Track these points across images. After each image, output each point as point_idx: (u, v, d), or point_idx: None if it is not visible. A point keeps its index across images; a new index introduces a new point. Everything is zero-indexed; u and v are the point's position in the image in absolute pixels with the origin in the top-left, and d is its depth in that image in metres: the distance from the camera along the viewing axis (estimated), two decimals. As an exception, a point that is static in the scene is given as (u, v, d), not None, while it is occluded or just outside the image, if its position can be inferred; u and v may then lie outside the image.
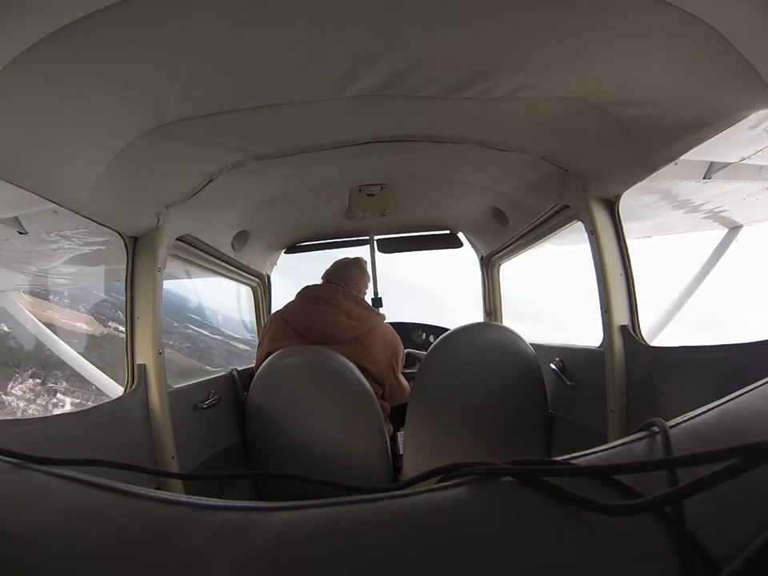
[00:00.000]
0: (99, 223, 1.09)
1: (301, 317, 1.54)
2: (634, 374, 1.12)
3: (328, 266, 1.76)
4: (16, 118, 0.73)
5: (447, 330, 1.44)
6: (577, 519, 0.26)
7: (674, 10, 0.63)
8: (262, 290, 2.32)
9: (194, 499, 0.31)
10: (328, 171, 1.38)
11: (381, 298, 2.24)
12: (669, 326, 2.48)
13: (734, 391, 0.37)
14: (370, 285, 1.84)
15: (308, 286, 1.65)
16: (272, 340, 1.55)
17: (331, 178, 1.47)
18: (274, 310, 2.33)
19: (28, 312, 3.06)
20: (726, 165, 1.56)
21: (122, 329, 1.21)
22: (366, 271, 1.78)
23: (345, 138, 1.11)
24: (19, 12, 0.55)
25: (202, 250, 1.58)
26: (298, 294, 1.64)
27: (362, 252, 2.28)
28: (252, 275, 2.19)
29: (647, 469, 0.29)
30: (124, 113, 0.83)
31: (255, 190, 1.46)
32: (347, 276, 1.68)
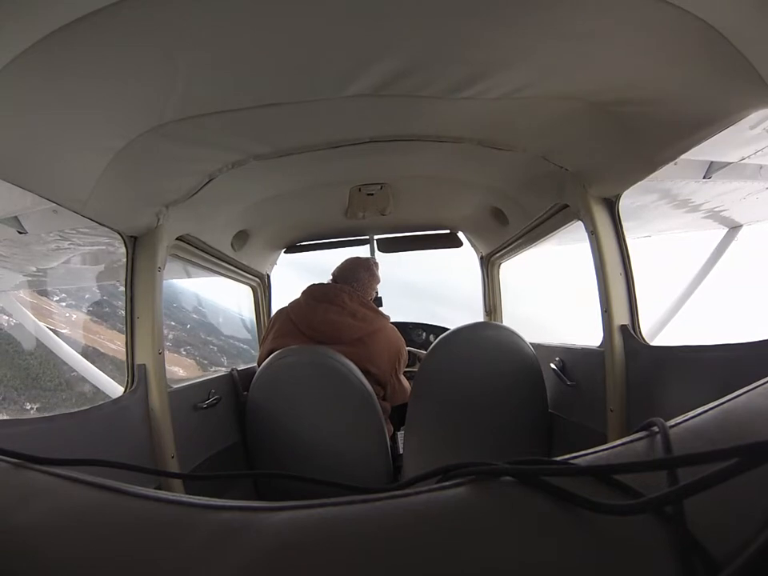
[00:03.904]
0: (99, 223, 1.09)
1: (305, 315, 1.54)
2: (634, 373, 1.12)
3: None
4: (16, 118, 0.73)
5: (447, 329, 1.44)
6: (577, 519, 0.26)
7: (675, 10, 0.63)
8: (262, 289, 2.31)
9: (194, 499, 0.30)
10: (328, 171, 1.38)
11: (381, 297, 2.24)
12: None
13: (735, 390, 0.37)
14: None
15: (314, 284, 1.64)
16: (275, 337, 1.54)
17: (331, 178, 1.47)
18: (274, 309, 2.33)
19: (28, 312, 3.06)
20: (726, 165, 1.57)
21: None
22: (375, 273, 1.76)
23: (345, 137, 1.11)
24: (18, 13, 0.55)
25: (201, 250, 1.57)
26: (304, 292, 1.63)
27: (361, 252, 2.28)
28: (252, 275, 2.19)
29: (647, 468, 0.29)
30: (123, 112, 0.83)
31: (255, 190, 1.46)
32: (354, 278, 1.67)
